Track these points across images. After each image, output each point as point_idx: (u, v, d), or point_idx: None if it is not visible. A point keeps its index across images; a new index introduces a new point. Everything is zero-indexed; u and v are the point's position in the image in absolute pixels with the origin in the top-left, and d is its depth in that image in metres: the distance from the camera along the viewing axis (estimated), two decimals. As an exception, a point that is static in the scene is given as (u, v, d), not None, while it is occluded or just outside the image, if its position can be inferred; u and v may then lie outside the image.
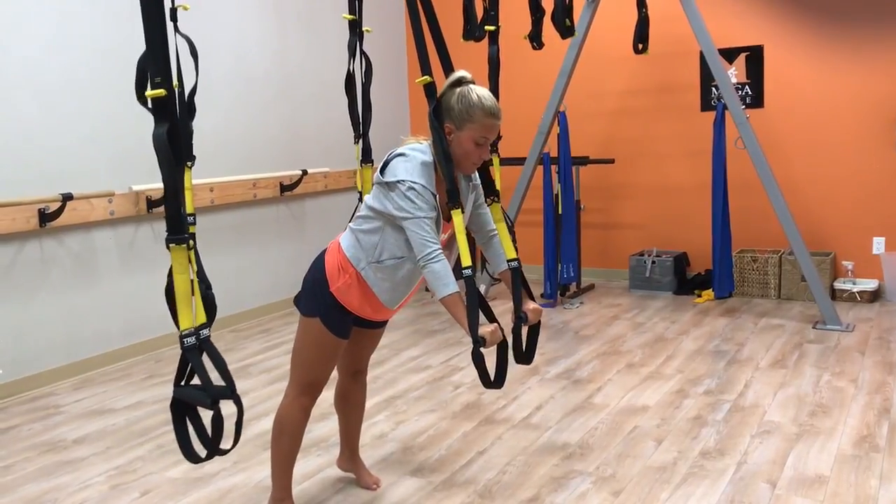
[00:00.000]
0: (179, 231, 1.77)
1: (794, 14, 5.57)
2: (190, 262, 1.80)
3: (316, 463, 3.05)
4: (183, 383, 1.86)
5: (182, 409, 1.85)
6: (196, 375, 1.81)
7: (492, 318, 2.30)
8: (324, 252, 2.43)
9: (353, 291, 2.35)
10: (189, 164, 2.75)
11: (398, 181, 2.21)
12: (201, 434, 1.83)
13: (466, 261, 2.18)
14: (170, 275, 1.79)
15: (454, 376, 4.07)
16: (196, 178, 4.38)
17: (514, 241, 2.48)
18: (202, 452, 1.85)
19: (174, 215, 1.77)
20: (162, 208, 4.16)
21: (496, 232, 2.47)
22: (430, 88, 2.26)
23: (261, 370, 4.30)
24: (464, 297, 2.18)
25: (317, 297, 2.38)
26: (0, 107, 3.92)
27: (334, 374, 2.74)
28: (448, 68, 2.35)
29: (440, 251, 2.19)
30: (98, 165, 4.36)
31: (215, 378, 1.81)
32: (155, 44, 1.72)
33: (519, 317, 2.34)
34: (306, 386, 2.46)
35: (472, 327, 2.12)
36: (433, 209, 2.23)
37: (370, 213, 2.32)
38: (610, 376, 4.00)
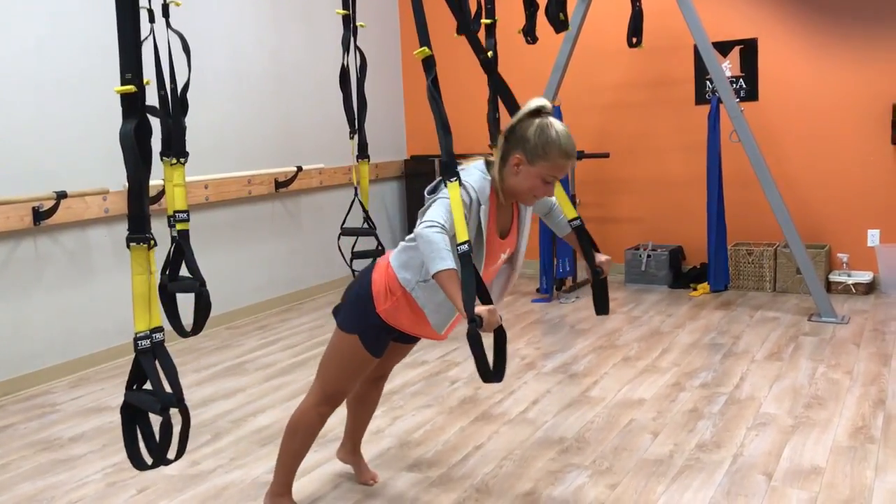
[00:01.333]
0: (141, 230, 1.73)
1: (788, 7, 5.57)
2: (149, 262, 1.76)
3: (314, 458, 3.05)
4: (136, 387, 1.82)
5: (132, 415, 1.82)
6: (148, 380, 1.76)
7: (487, 301, 2.06)
8: (372, 267, 2.38)
9: (402, 312, 2.30)
10: (183, 160, 2.74)
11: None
12: (148, 440, 1.80)
13: (463, 236, 2.03)
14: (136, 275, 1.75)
15: (451, 371, 4.07)
16: (190, 175, 4.34)
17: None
18: (149, 459, 1.82)
19: (137, 214, 1.73)
20: (156, 205, 4.17)
21: (555, 201, 2.47)
22: (428, 61, 2.21)
23: (256, 367, 4.30)
24: (459, 274, 2.01)
25: (359, 314, 2.33)
26: (-7, 105, 3.91)
27: None
28: (494, 77, 2.31)
29: (443, 229, 2.03)
30: (92, 163, 4.35)
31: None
32: (126, 39, 1.70)
33: (595, 270, 2.37)
34: (330, 396, 2.45)
35: (468, 305, 1.96)
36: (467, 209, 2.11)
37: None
38: (606, 370, 4.01)
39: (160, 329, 1.77)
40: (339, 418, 3.24)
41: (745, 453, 2.95)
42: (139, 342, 1.74)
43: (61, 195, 4.05)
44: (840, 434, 3.09)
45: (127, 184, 1.74)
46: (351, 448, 2.86)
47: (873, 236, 5.51)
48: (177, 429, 1.75)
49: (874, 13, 5.32)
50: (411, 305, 2.29)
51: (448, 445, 3.15)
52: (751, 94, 5.71)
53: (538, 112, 2.18)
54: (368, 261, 3.67)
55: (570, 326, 4.90)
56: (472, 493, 2.74)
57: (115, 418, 3.58)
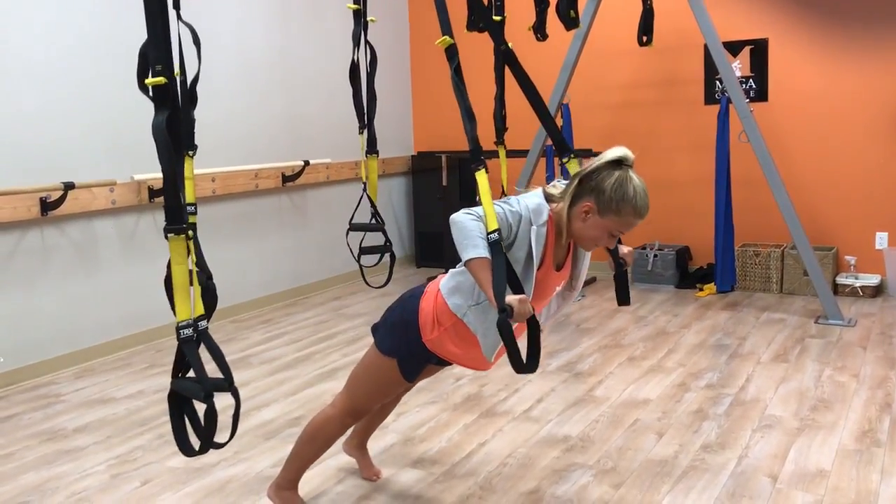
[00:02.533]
0: (178, 221, 1.75)
1: (800, 7, 5.54)
2: (189, 252, 1.78)
3: (316, 453, 3.05)
4: (180, 375, 1.84)
5: (179, 402, 1.84)
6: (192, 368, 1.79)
7: (519, 291, 2.02)
8: (420, 292, 2.32)
9: (450, 342, 2.25)
10: (191, 153, 2.73)
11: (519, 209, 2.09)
12: (197, 427, 1.82)
13: (493, 224, 1.99)
14: (169, 265, 1.78)
15: (455, 368, 4.06)
16: (198, 167, 4.33)
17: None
18: (197, 445, 1.83)
19: (173, 205, 1.75)
20: (163, 198, 4.17)
21: None
22: (451, 50, 2.20)
23: (261, 361, 4.30)
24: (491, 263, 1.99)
25: (401, 339, 2.30)
26: (1, 96, 3.91)
27: None
28: (534, 95, 2.33)
29: (479, 218, 2.01)
30: (99, 154, 4.35)
31: (214, 370, 1.80)
32: (156, 31, 1.70)
33: (619, 262, 2.34)
34: (356, 410, 2.44)
35: (499, 293, 1.92)
36: (514, 228, 2.08)
37: None
38: (611, 369, 4.00)
39: (203, 317, 1.79)
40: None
41: (751, 455, 2.94)
42: (181, 331, 1.76)
43: (69, 186, 4.06)
44: (846, 437, 3.07)
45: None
46: (358, 443, 2.85)
47: (881, 239, 5.49)
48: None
49: (885, 16, 5.29)
50: (460, 334, 2.24)
51: (452, 443, 3.15)
52: (760, 94, 5.68)
53: (619, 163, 2.11)
54: (376, 256, 3.68)
55: (575, 325, 4.89)
56: (476, 490, 2.73)
57: (120, 410, 3.59)
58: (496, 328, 1.96)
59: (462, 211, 2.04)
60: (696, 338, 4.52)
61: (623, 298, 2.43)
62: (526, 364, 2.01)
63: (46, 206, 4.02)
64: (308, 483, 2.79)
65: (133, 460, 3.05)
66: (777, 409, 3.39)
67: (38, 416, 3.57)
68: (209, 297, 2.52)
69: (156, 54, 1.70)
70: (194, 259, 1.80)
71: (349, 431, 2.85)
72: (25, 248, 4.04)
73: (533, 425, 3.30)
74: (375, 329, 2.41)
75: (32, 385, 4.00)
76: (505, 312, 1.92)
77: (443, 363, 2.45)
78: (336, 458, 2.96)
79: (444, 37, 2.21)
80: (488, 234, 1.99)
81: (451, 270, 2.30)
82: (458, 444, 3.14)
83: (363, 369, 2.42)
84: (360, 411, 2.46)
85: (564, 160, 2.45)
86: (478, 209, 2.04)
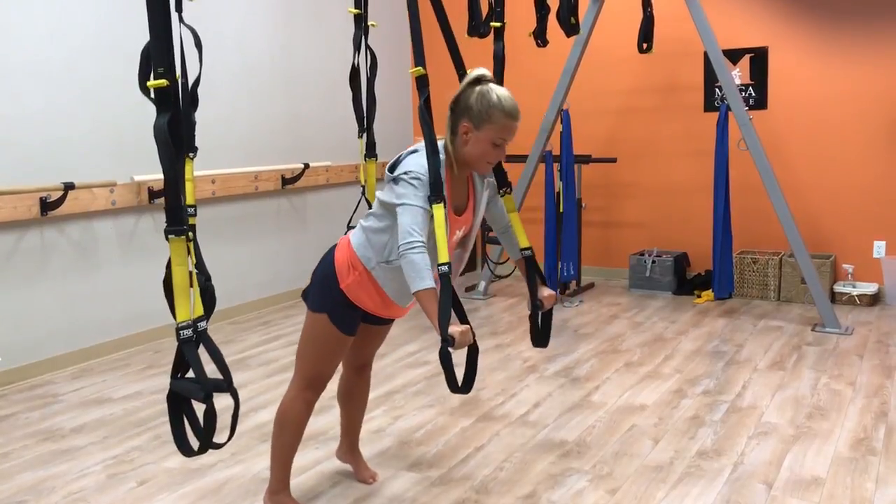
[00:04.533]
0: (179, 222, 1.76)
1: (800, 16, 5.56)
2: (189, 253, 1.79)
3: (314, 456, 3.05)
4: (179, 376, 1.85)
5: (178, 402, 1.85)
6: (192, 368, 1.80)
7: (464, 320, 2.24)
8: (334, 247, 2.42)
9: (363, 289, 2.34)
10: (191, 155, 2.74)
11: (405, 171, 2.20)
12: (196, 427, 1.83)
13: (444, 257, 2.12)
14: (168, 266, 1.78)
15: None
16: (198, 169, 4.36)
17: None
18: (196, 446, 1.84)
19: (174, 206, 1.76)
20: (163, 199, 4.18)
21: (511, 224, 2.51)
22: (422, 80, 2.26)
23: (260, 362, 4.31)
24: (438, 293, 2.11)
25: (325, 292, 2.37)
26: (3, 96, 3.93)
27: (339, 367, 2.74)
28: (459, 65, 2.35)
29: (423, 244, 2.12)
30: (100, 155, 4.36)
31: (214, 371, 1.81)
32: (158, 33, 1.71)
33: (535, 304, 2.41)
34: (311, 380, 2.46)
35: (443, 325, 2.05)
36: (432, 201, 2.18)
37: (380, 210, 2.31)
38: (608, 375, 4.01)
39: (202, 318, 1.80)
40: (337, 416, 3.24)
41: (746, 462, 2.95)
42: (181, 332, 1.77)
43: (69, 186, 4.07)
44: (841, 445, 3.08)
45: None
46: (348, 447, 2.86)
47: (879, 247, 5.50)
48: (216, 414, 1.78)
49: (885, 25, 5.31)
50: (373, 283, 2.34)
51: (448, 446, 3.16)
52: (760, 102, 5.70)
53: (479, 80, 2.23)
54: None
55: (573, 330, 4.90)
56: (472, 494, 2.74)
57: (117, 410, 3.59)
58: (408, 290, 2.15)
59: (404, 247, 2.11)
60: (693, 344, 4.53)
61: (539, 340, 2.48)
62: (461, 386, 2.14)
63: (46, 205, 4.02)
64: (304, 485, 2.80)
65: (130, 461, 3.05)
66: (773, 417, 3.39)
67: (36, 415, 3.58)
68: (208, 298, 2.53)
69: (158, 57, 1.71)
70: (194, 260, 1.81)
71: (337, 428, 2.85)
72: (25, 248, 4.04)
73: (529, 430, 3.30)
74: (306, 294, 2.46)
75: (30, 384, 4.00)
76: (447, 343, 2.04)
77: (377, 321, 2.54)
78: (332, 461, 2.97)
79: (417, 67, 2.27)
80: (439, 265, 2.11)
81: (360, 222, 2.39)
82: (455, 447, 3.14)
83: (304, 337, 2.46)
84: (316, 380, 2.47)
85: (501, 193, 2.51)
86: (410, 233, 2.11)
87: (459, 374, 2.14)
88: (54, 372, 4.18)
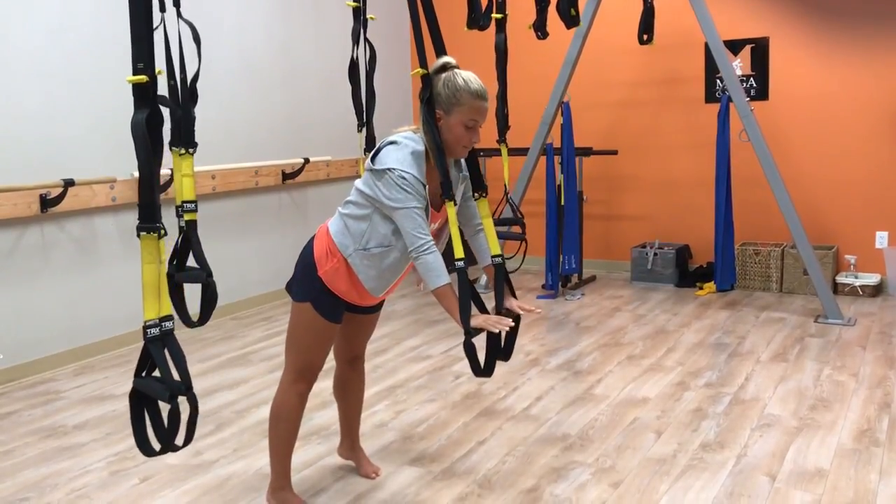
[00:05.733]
0: (151, 220, 1.74)
1: (800, 6, 5.53)
2: (159, 251, 1.76)
3: (316, 451, 3.05)
4: (144, 374, 1.83)
5: (140, 400, 1.83)
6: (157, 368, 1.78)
7: (483, 310, 2.31)
8: (313, 237, 2.44)
9: (339, 276, 2.36)
10: (191, 150, 2.73)
11: (388, 169, 2.21)
12: (158, 427, 1.81)
13: (459, 252, 2.18)
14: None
15: (454, 366, 4.07)
16: (198, 165, 4.35)
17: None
18: (157, 446, 1.83)
19: (147, 203, 1.74)
20: (164, 195, 4.16)
21: (482, 227, 2.48)
22: (425, 80, 2.26)
23: (261, 358, 4.30)
24: (455, 288, 2.19)
25: (307, 281, 2.39)
26: (3, 93, 3.91)
27: (333, 361, 2.74)
28: (442, 55, 2.35)
29: (432, 243, 2.21)
30: (100, 151, 4.35)
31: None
32: (138, 29, 1.70)
33: (500, 312, 2.34)
34: (301, 371, 2.46)
35: (464, 318, 2.13)
36: (423, 199, 2.23)
37: (360, 199, 2.32)
38: (610, 368, 4.00)
39: (169, 318, 1.78)
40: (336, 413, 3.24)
41: (749, 454, 2.94)
42: (148, 330, 1.75)
43: (69, 183, 4.06)
44: (845, 437, 3.08)
45: (137, 173, 1.74)
46: (349, 444, 2.86)
47: (881, 238, 5.49)
48: (185, 416, 1.75)
49: (886, 14, 5.28)
50: (348, 270, 2.35)
51: (451, 440, 3.15)
52: (761, 93, 5.68)
53: (444, 68, 2.27)
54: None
55: (575, 323, 4.90)
56: (475, 488, 2.73)
57: (119, 406, 3.59)
58: (384, 279, 2.35)
59: (415, 248, 2.19)
60: (695, 336, 4.53)
61: (501, 354, 2.34)
62: (483, 369, 2.25)
63: (46, 202, 4.01)
64: (307, 480, 2.80)
65: (132, 457, 3.05)
66: (776, 409, 3.39)
67: (38, 412, 3.58)
68: (209, 294, 2.53)
69: (138, 53, 1.70)
70: (163, 258, 1.78)
71: (338, 424, 2.84)
72: (25, 246, 4.04)
73: (532, 423, 3.30)
74: (290, 286, 2.47)
75: (32, 382, 4.00)
76: (469, 335, 2.12)
77: (361, 310, 2.55)
78: (334, 456, 2.97)
79: (419, 69, 2.28)
80: (455, 260, 2.17)
81: (338, 209, 2.40)
82: (457, 441, 3.14)
83: (291, 328, 2.47)
84: (306, 371, 2.46)
85: (476, 197, 2.47)
86: (418, 235, 2.19)
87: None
88: (56, 369, 4.18)
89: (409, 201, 2.19)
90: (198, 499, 2.71)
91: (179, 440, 1.79)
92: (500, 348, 2.35)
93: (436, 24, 2.31)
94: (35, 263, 4.09)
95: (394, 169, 2.20)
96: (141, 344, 1.78)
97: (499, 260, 2.41)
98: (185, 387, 1.74)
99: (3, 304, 3.97)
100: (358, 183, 2.33)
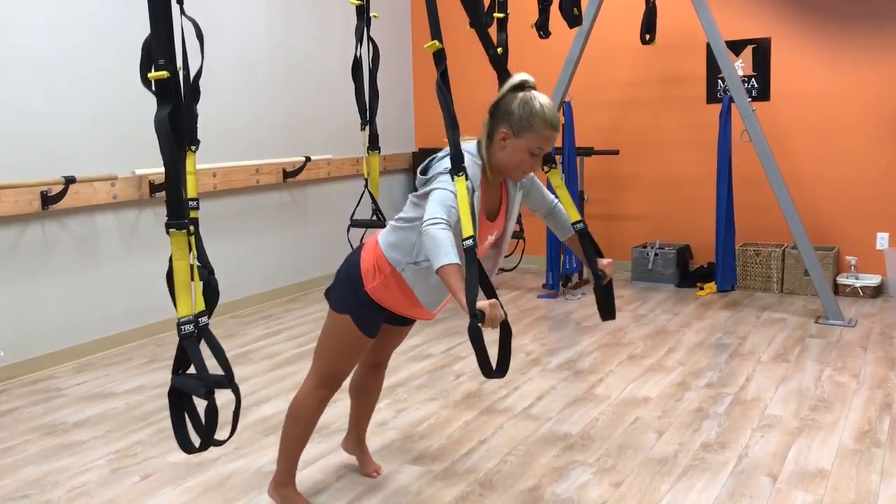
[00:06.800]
0: (180, 216, 1.74)
1: (802, 7, 5.53)
2: (190, 247, 1.77)
3: (318, 449, 3.05)
4: (181, 372, 1.83)
5: (179, 398, 1.83)
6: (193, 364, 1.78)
7: (491, 296, 2.04)
8: (360, 247, 2.39)
9: (390, 291, 2.30)
10: (193, 148, 2.73)
11: (444, 169, 2.11)
12: (197, 424, 1.81)
13: (468, 230, 1.99)
14: (171, 260, 1.77)
15: (455, 365, 4.07)
16: (199, 163, 4.35)
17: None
18: (197, 442, 1.83)
19: (175, 200, 1.74)
20: (165, 193, 4.16)
21: (557, 201, 2.45)
22: (439, 55, 2.16)
23: (262, 356, 4.30)
24: (464, 270, 1.98)
25: (349, 293, 2.34)
26: (3, 90, 3.91)
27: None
28: (503, 73, 2.28)
29: (446, 223, 2.01)
30: (101, 148, 4.34)
31: (215, 366, 1.80)
32: (159, 25, 1.69)
33: (597, 274, 2.34)
34: (327, 378, 2.45)
35: (470, 300, 1.91)
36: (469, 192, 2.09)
37: (409, 208, 2.26)
38: (611, 368, 4.00)
39: (204, 313, 1.78)
40: (342, 410, 3.24)
41: (750, 454, 2.94)
42: (182, 327, 1.75)
43: (70, 180, 4.05)
44: (846, 437, 3.08)
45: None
46: (356, 439, 2.85)
47: (882, 239, 5.49)
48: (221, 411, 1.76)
49: (888, 15, 5.28)
50: (400, 285, 2.29)
51: (452, 439, 3.15)
52: (762, 93, 5.67)
53: (521, 86, 2.18)
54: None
55: (575, 323, 4.89)
56: (476, 487, 2.73)
57: (120, 404, 3.59)
58: (438, 290, 2.19)
59: (427, 222, 2.02)
60: (696, 337, 4.52)
61: (606, 313, 2.39)
62: (496, 370, 2.03)
63: (47, 199, 4.01)
64: (308, 479, 2.80)
65: (133, 455, 3.05)
66: (777, 409, 3.39)
67: (39, 410, 3.57)
68: (211, 292, 2.53)
69: (159, 48, 1.69)
70: (195, 254, 1.79)
71: (342, 421, 2.84)
72: (26, 243, 4.03)
73: (533, 423, 3.30)
74: (328, 293, 2.43)
75: (33, 379, 4.00)
76: (476, 318, 1.91)
77: (398, 321, 2.50)
78: (336, 454, 2.97)
79: (433, 41, 2.17)
80: (463, 240, 1.98)
81: (390, 223, 2.34)
82: (459, 441, 3.14)
83: (324, 334, 2.43)
84: (332, 379, 2.45)
85: (546, 170, 2.42)
86: (437, 211, 2.03)
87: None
88: (56, 366, 4.17)
89: (445, 184, 2.07)
90: (198, 497, 2.71)
91: (222, 435, 1.79)
92: (607, 308, 2.37)
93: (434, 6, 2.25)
94: (36, 261, 4.09)
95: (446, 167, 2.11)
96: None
97: (581, 226, 2.37)
98: (228, 379, 1.75)
99: (4, 301, 3.96)
100: (411, 195, 2.28)
